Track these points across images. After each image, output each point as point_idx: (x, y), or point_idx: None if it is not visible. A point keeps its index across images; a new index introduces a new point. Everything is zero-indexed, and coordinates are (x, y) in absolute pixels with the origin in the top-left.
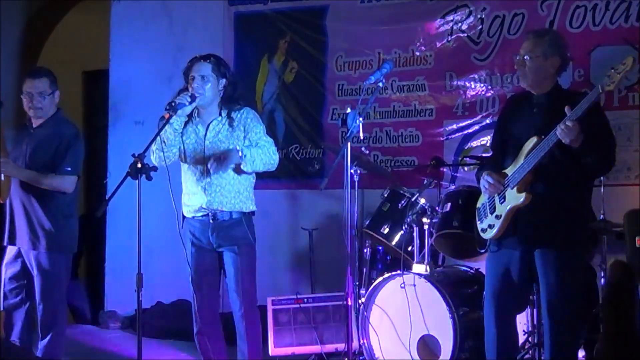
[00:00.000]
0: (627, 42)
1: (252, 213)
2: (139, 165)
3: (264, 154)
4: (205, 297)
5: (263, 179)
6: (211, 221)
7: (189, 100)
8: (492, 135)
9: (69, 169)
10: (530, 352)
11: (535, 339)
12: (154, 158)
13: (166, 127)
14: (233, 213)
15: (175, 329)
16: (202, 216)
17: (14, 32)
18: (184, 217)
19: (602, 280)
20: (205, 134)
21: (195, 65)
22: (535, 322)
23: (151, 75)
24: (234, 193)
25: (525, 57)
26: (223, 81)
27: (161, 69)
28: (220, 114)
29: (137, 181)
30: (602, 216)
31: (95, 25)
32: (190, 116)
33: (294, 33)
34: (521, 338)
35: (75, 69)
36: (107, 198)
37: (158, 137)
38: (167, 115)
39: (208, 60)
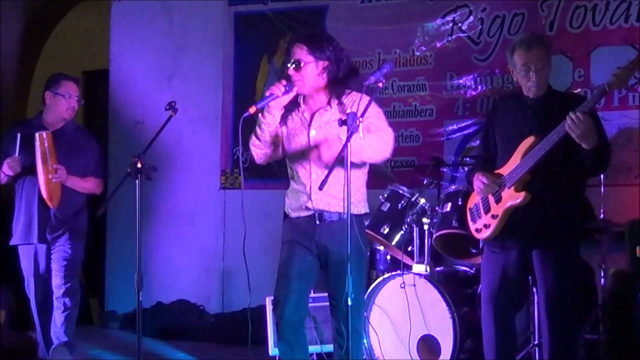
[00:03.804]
0: (627, 42)
1: (364, 215)
2: (139, 165)
3: (374, 141)
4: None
5: (263, 178)
6: (317, 222)
7: (284, 90)
8: (480, 137)
9: (102, 172)
10: (530, 352)
11: (535, 339)
12: (260, 156)
13: (261, 126)
14: (342, 214)
15: (175, 329)
16: (306, 216)
17: (14, 32)
18: (285, 215)
19: (602, 280)
20: (310, 123)
21: (291, 49)
22: (535, 322)
23: (151, 75)
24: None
25: (538, 67)
26: (324, 63)
27: (161, 68)
28: (329, 103)
29: (137, 181)
30: (602, 216)
31: (95, 25)
32: (296, 105)
33: (294, 33)
34: (521, 338)
35: (75, 69)
36: (107, 198)
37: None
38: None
39: (303, 42)
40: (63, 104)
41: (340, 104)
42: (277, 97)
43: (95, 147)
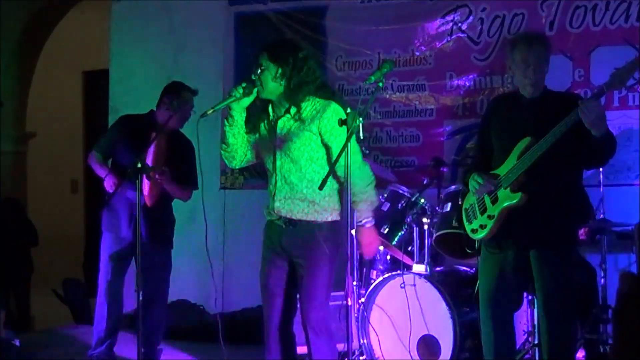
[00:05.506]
0: (627, 42)
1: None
2: (139, 165)
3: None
4: (275, 310)
5: (263, 179)
6: (283, 226)
7: (242, 92)
8: (476, 136)
9: (195, 183)
10: (530, 352)
11: (535, 339)
12: (229, 159)
13: (225, 127)
14: (302, 222)
15: (175, 329)
16: (275, 220)
17: (14, 32)
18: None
19: (602, 280)
20: (276, 131)
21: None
22: (535, 322)
23: (151, 75)
24: (308, 202)
25: (536, 65)
26: (281, 70)
27: (161, 68)
28: (288, 110)
29: (137, 181)
30: (602, 216)
31: (95, 25)
32: (267, 110)
33: (294, 33)
34: (521, 338)
35: (75, 69)
36: (107, 198)
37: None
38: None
39: (265, 49)
40: (178, 112)
41: (299, 110)
42: (235, 99)
43: (194, 158)
